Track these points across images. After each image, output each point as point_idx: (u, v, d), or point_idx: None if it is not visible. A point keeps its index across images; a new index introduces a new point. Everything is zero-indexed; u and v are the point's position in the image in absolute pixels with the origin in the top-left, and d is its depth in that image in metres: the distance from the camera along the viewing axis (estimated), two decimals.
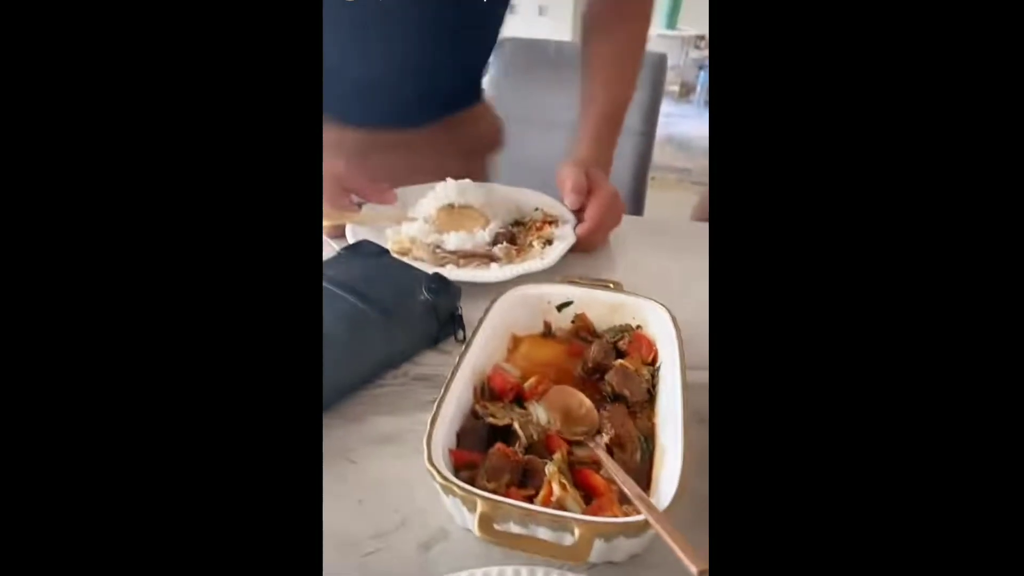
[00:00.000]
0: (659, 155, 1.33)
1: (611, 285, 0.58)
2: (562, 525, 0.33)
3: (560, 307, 0.58)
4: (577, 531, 0.32)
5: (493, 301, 0.54)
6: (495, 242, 0.70)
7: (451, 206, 0.73)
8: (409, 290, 0.54)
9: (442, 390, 0.42)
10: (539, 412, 0.45)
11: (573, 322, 0.57)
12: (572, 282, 0.58)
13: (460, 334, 0.56)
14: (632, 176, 1.28)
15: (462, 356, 0.46)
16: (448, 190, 0.74)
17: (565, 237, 0.71)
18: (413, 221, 0.71)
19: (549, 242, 0.71)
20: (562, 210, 0.77)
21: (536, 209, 0.77)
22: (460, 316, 0.57)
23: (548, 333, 0.57)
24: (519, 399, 0.47)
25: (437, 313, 0.54)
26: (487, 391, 0.47)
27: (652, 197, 1.31)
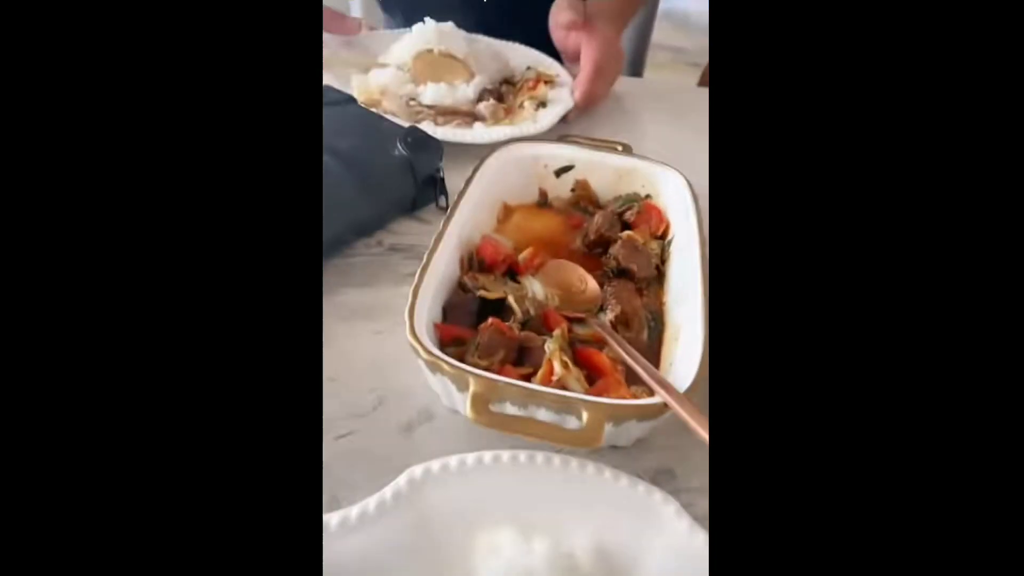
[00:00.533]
0: (654, 33, 1.16)
1: (618, 147, 0.50)
2: (567, 407, 0.29)
3: (559, 172, 0.50)
4: (586, 414, 0.28)
5: (481, 161, 0.46)
6: (480, 99, 0.60)
7: (429, 52, 0.61)
8: (380, 144, 0.46)
9: (424, 258, 0.36)
10: (535, 287, 0.40)
11: (573, 190, 0.50)
12: (573, 142, 0.50)
13: (442, 200, 0.49)
14: (635, 33, 1.11)
15: (446, 222, 0.39)
16: (427, 34, 0.62)
17: (561, 100, 0.61)
18: (384, 67, 0.60)
19: (543, 104, 0.61)
20: (559, 70, 0.66)
21: (528, 68, 0.66)
22: (442, 179, 0.49)
23: (544, 202, 0.50)
24: (512, 273, 0.41)
25: (415, 173, 0.46)
26: (476, 262, 0.41)
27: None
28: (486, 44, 0.67)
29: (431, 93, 0.58)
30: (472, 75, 0.61)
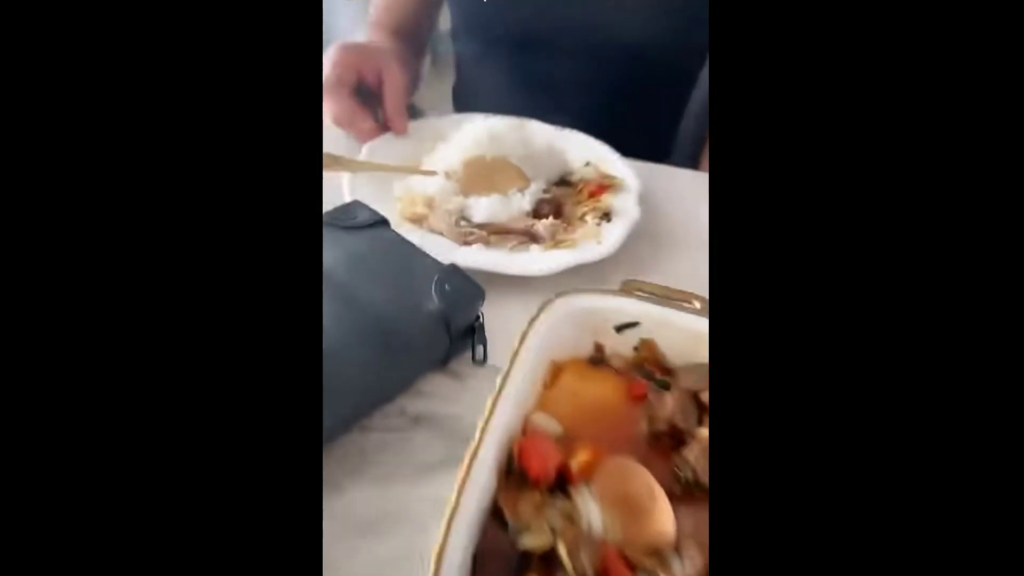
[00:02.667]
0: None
1: (695, 303, 0.42)
2: None
3: (621, 328, 0.42)
4: None
5: (531, 322, 0.38)
6: (537, 212, 0.52)
7: (481, 158, 0.54)
8: (412, 292, 0.38)
9: (455, 492, 0.27)
10: (591, 510, 0.31)
11: (636, 349, 0.42)
12: (639, 291, 0.42)
13: (479, 351, 0.41)
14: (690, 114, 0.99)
15: (488, 418, 0.31)
16: (479, 135, 0.55)
17: (627, 211, 0.53)
18: (431, 175, 0.54)
19: (606, 216, 0.53)
20: (621, 167, 0.58)
21: (587, 164, 0.59)
22: (481, 326, 0.41)
23: (599, 359, 0.42)
24: (562, 482, 0.33)
25: (450, 328, 0.38)
26: (515, 470, 0.33)
27: None
28: (542, 138, 0.59)
29: (483, 209, 0.50)
30: (527, 181, 0.54)
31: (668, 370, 0.41)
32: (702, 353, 0.41)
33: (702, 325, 0.41)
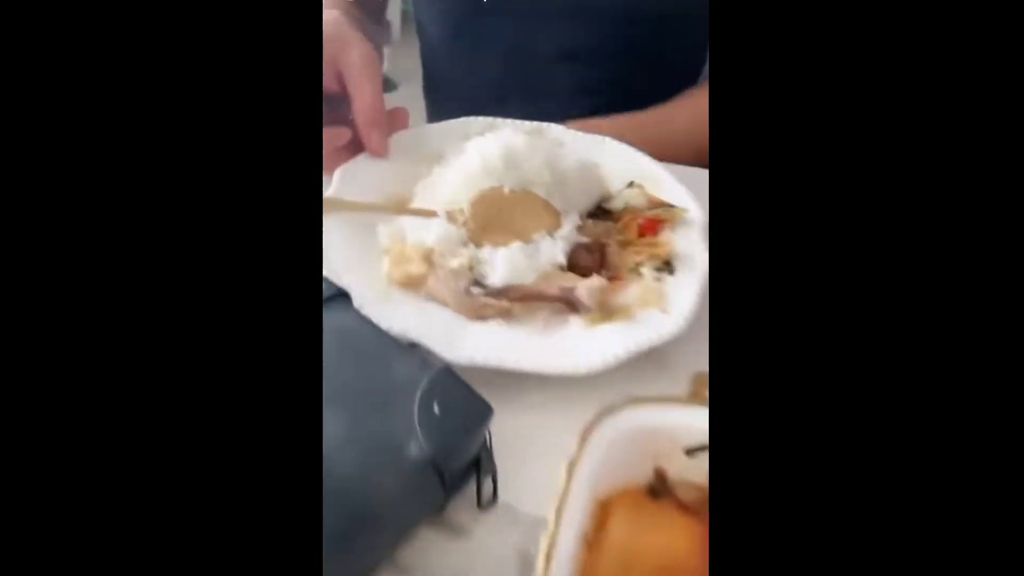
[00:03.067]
0: None
1: None
2: None
3: (692, 451, 0.29)
4: None
5: (578, 454, 0.26)
6: (573, 264, 0.38)
7: (496, 190, 0.40)
8: (386, 424, 0.26)
9: None
10: None
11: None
12: None
13: (487, 488, 0.29)
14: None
15: None
16: (489, 153, 0.41)
17: (694, 259, 0.39)
18: (430, 216, 0.40)
19: (667, 265, 0.39)
20: (677, 190, 0.43)
21: (631, 184, 0.43)
22: (488, 451, 0.29)
23: (659, 490, 0.29)
24: None
25: (443, 474, 0.27)
26: None
27: None
28: (572, 153, 0.44)
29: (502, 267, 0.37)
30: (558, 219, 0.40)
31: None
32: None
33: None
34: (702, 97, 0.58)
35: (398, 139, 0.44)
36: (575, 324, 0.36)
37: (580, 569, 0.26)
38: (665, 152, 0.47)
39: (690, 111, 0.56)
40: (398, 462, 0.25)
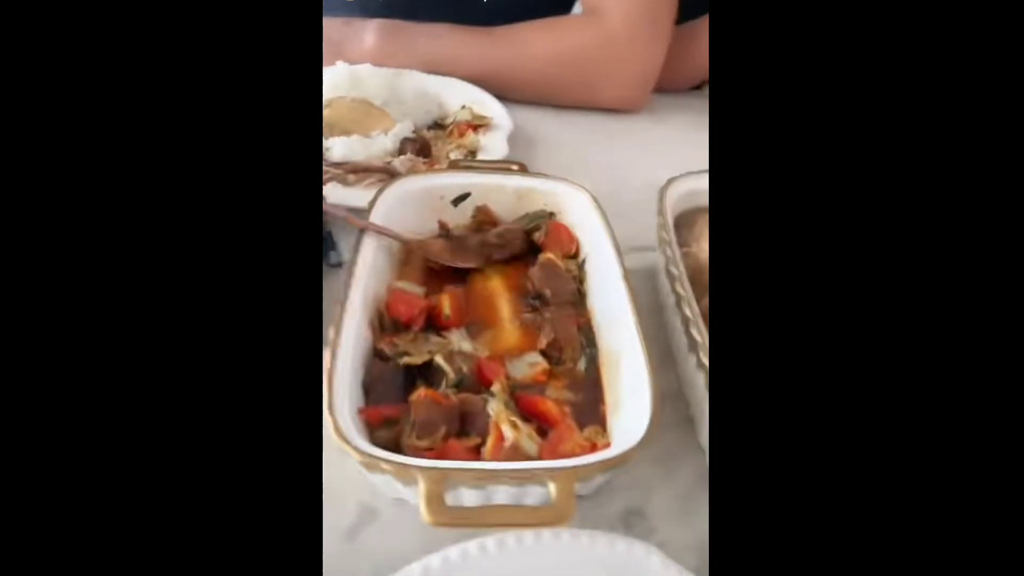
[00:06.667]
0: None
1: (514, 167, 0.48)
2: (530, 478, 0.26)
3: (456, 201, 0.47)
4: (552, 485, 0.25)
5: (371, 204, 0.41)
6: (400, 151, 0.54)
7: (342, 99, 0.55)
8: None
9: (331, 332, 0.31)
10: (461, 338, 0.37)
11: (474, 216, 0.47)
12: (466, 168, 0.47)
13: (332, 256, 0.44)
14: None
15: (347, 283, 0.35)
16: (338, 77, 0.56)
17: (495, 148, 0.55)
18: None
19: (472, 153, 0.55)
20: (496, 110, 0.60)
21: (463, 108, 0.60)
22: (330, 233, 0.44)
23: (446, 234, 0.47)
24: (432, 325, 0.38)
25: None
26: (388, 323, 0.37)
27: None
28: (414, 83, 0.61)
29: (339, 148, 0.52)
30: (392, 123, 0.56)
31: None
32: (525, 206, 0.47)
33: (523, 182, 0.47)
34: (563, 27, 0.64)
35: None
36: None
37: (399, 275, 0.42)
38: (513, 69, 0.61)
39: (550, 36, 0.63)
40: None
